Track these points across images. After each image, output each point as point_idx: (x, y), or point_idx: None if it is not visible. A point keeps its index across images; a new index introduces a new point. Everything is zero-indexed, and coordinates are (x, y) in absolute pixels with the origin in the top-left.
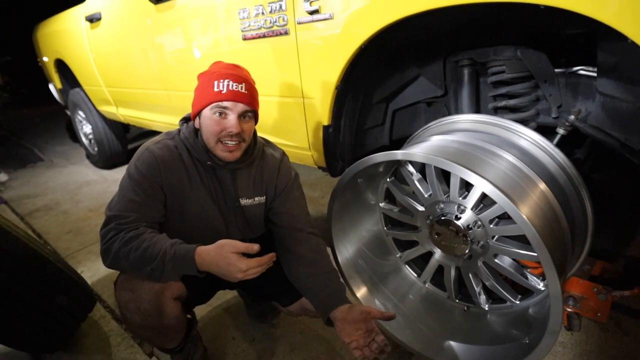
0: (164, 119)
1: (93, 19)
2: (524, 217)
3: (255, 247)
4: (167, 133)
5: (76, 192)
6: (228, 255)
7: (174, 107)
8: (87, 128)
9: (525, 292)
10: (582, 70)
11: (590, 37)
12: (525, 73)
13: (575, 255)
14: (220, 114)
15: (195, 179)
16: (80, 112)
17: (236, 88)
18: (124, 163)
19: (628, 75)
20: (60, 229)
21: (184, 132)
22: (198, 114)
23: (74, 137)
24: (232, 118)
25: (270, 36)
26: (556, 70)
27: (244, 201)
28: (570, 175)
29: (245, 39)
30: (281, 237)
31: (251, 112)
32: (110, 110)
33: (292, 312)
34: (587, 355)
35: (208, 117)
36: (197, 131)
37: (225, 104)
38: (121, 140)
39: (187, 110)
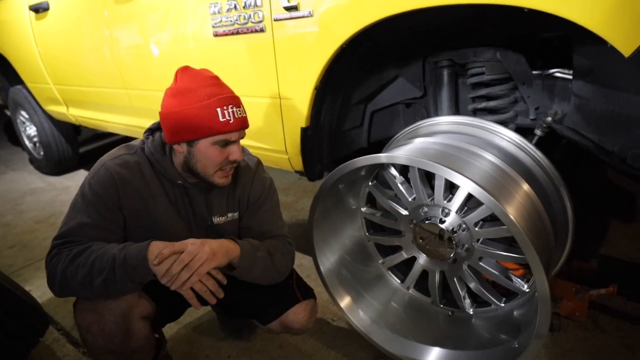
0: (124, 120)
1: (39, 9)
2: (512, 218)
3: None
4: (127, 146)
5: (19, 202)
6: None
7: (135, 107)
8: (31, 130)
9: (508, 294)
10: (558, 72)
11: (566, 40)
12: (504, 75)
13: (557, 256)
14: (225, 144)
15: (160, 197)
16: (23, 113)
17: (240, 114)
18: (75, 168)
19: (602, 78)
20: (1, 244)
21: (149, 148)
22: (187, 141)
23: (14, 139)
24: (235, 146)
25: (245, 33)
26: (533, 72)
27: (216, 219)
28: (550, 176)
29: (216, 35)
30: None
31: None
32: (59, 110)
33: (272, 330)
34: (568, 355)
35: (208, 148)
36: (164, 146)
37: (233, 135)
38: (72, 144)
39: (150, 110)
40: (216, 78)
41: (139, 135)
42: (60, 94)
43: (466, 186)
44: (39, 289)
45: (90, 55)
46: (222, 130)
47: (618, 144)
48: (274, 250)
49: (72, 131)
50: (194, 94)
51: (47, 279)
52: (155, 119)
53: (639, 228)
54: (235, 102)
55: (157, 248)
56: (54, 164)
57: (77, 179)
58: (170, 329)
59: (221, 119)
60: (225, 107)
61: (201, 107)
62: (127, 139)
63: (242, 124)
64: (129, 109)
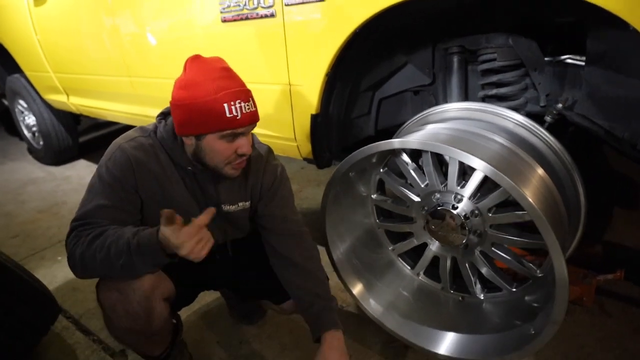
0: (127, 108)
1: None
2: (531, 201)
3: (210, 210)
4: (141, 129)
5: (20, 192)
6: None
7: (138, 95)
8: (30, 119)
9: (514, 280)
10: (569, 58)
11: (579, 26)
12: (515, 61)
13: (569, 242)
14: (233, 138)
15: (176, 182)
16: (22, 102)
17: (248, 109)
18: (75, 158)
19: (615, 64)
20: (4, 234)
21: (161, 132)
22: (195, 135)
23: (12, 129)
24: (244, 139)
25: (254, 18)
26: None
27: (226, 207)
28: (564, 161)
29: (224, 21)
30: (271, 240)
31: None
32: (59, 99)
33: (285, 310)
34: (575, 339)
35: (215, 142)
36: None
37: (241, 129)
38: (72, 133)
39: (154, 98)
40: (227, 70)
41: (142, 124)
42: (61, 83)
43: (483, 169)
44: (45, 278)
45: (91, 43)
46: (229, 127)
47: (629, 130)
48: (322, 269)
49: (72, 120)
50: (202, 87)
51: (68, 261)
52: (160, 107)
53: None
54: (244, 96)
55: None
56: (54, 154)
57: (78, 168)
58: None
59: (228, 115)
60: (232, 103)
61: (208, 101)
62: (129, 128)
63: (250, 119)
64: (132, 97)
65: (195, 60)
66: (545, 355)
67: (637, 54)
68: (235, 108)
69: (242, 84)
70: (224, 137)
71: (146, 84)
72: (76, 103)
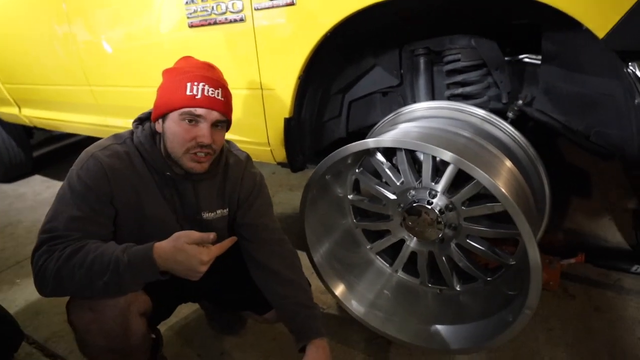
0: (87, 119)
1: None
2: (504, 191)
3: (211, 235)
4: (115, 136)
5: None
6: (185, 247)
7: (100, 105)
8: None
9: (486, 269)
10: (526, 58)
11: (535, 27)
12: (478, 61)
13: (537, 229)
14: (191, 121)
15: (152, 190)
16: None
17: (212, 94)
18: (29, 174)
19: (568, 62)
20: None
21: (138, 137)
22: (162, 116)
23: None
24: (204, 127)
25: (223, 23)
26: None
27: (205, 215)
28: (528, 154)
29: (192, 26)
30: (251, 250)
31: (225, 121)
32: (9, 111)
33: (268, 320)
34: (545, 321)
35: (176, 123)
36: (154, 136)
37: (198, 111)
38: (24, 147)
39: (118, 107)
40: (209, 65)
41: (105, 135)
42: (11, 94)
43: (456, 162)
44: (3, 303)
45: (46, 51)
46: (186, 105)
47: (583, 124)
48: (303, 277)
49: (24, 134)
50: (177, 71)
51: (35, 277)
52: (124, 116)
53: (595, 205)
54: (212, 82)
55: (161, 250)
56: (5, 170)
57: (32, 184)
58: None
59: (187, 93)
60: (195, 83)
61: (174, 81)
62: (89, 139)
63: (210, 103)
64: (93, 106)
65: (186, 56)
66: (519, 341)
67: (588, 53)
68: (197, 88)
69: (217, 76)
70: (183, 117)
71: (109, 93)
72: (29, 115)
